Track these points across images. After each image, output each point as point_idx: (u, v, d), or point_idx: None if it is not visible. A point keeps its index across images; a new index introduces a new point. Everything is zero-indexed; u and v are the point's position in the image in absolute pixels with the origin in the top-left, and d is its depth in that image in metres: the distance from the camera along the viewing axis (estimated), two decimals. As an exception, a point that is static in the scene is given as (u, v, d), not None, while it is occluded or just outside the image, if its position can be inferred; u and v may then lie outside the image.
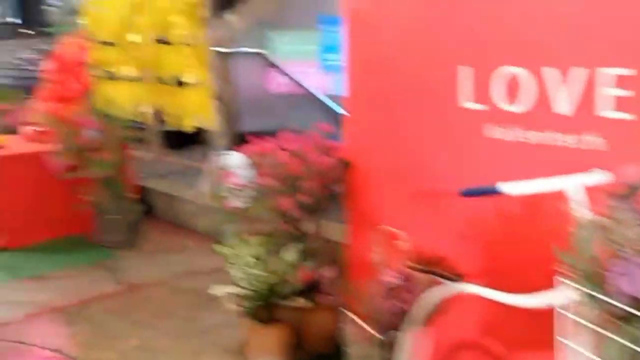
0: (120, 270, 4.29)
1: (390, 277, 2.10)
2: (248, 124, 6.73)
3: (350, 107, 2.87)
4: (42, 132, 5.21)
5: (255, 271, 2.87)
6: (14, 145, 5.12)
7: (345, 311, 2.68)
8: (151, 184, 5.54)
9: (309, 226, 2.99)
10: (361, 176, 2.80)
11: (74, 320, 3.53)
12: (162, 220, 5.31)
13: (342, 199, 2.93)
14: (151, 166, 5.80)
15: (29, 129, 5.42)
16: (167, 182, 5.61)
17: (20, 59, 11.79)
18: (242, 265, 2.92)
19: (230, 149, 5.11)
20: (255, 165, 2.94)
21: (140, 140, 5.21)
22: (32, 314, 3.55)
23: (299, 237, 2.95)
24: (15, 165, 4.83)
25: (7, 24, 20.19)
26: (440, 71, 2.34)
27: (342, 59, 2.97)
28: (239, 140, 5.61)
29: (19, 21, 19.51)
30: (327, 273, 2.84)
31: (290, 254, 2.87)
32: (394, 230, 2.48)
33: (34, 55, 11.65)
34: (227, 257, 3.00)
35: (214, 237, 4.48)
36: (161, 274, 4.21)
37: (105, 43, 5.86)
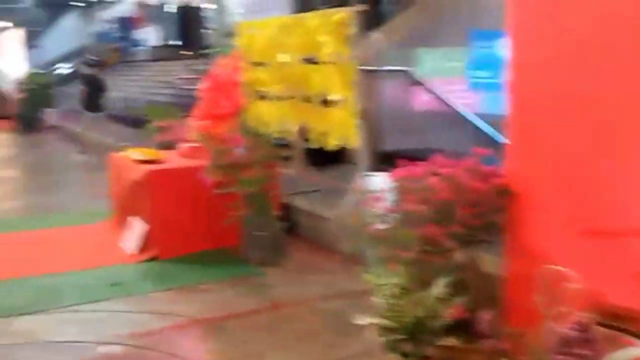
0: (264, 288, 4.32)
1: (563, 327, 1.82)
2: (391, 143, 6.61)
3: (513, 129, 2.62)
4: (196, 149, 5.47)
5: (400, 302, 2.70)
6: (170, 160, 5.41)
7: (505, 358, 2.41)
8: (294, 201, 5.57)
9: (461, 258, 2.77)
10: (524, 206, 2.53)
11: (216, 335, 3.58)
12: (304, 239, 5.31)
13: (500, 230, 2.67)
14: (294, 184, 5.85)
15: (184, 145, 5.72)
16: (310, 201, 5.63)
17: (180, 78, 12.59)
18: (387, 294, 2.76)
19: (374, 169, 5.03)
20: (404, 189, 2.77)
21: (285, 158, 5.27)
22: (177, 325, 3.65)
23: (450, 269, 2.73)
24: (170, 180, 5.10)
25: (169, 46, 21.99)
26: (634, 97, 2.02)
27: (501, 76, 2.72)
28: (382, 160, 5.52)
29: (179, 43, 21.19)
30: (482, 311, 2.59)
31: (439, 287, 2.66)
32: (562, 269, 2.19)
33: (192, 75, 12.48)
34: (372, 285, 2.86)
35: (356, 260, 4.40)
36: (303, 294, 4.17)
37: (256, 63, 6.07)
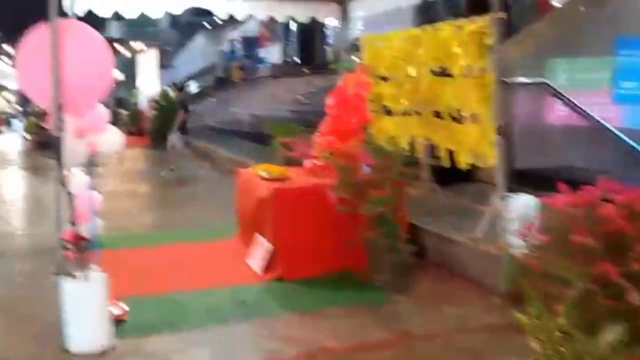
0: (393, 316, 4.07)
1: None
2: (528, 161, 6.12)
3: None
4: (322, 166, 5.35)
5: (562, 349, 2.33)
6: (295, 177, 5.33)
7: None
8: (422, 223, 5.27)
9: (638, 301, 2.35)
10: None
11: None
12: (433, 263, 5.00)
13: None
14: (422, 204, 5.55)
15: (310, 162, 5.63)
16: (438, 222, 5.30)
17: (302, 95, 12.71)
18: (545, 338, 2.40)
19: (513, 189, 4.62)
20: (569, 217, 2.41)
21: (411, 177, 4.99)
22: (307, 354, 3.48)
23: (624, 313, 2.32)
24: (296, 198, 5.00)
25: (290, 63, 22.52)
26: None
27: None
28: (519, 180, 5.09)
29: (300, 60, 21.66)
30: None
31: (611, 334, 2.27)
32: None
33: (312, 91, 12.61)
34: (523, 324, 2.51)
35: (494, 289, 4.04)
36: (433, 325, 3.87)
37: (382, 77, 5.87)
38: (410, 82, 5.55)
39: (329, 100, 5.62)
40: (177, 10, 6.20)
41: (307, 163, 5.67)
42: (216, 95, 23.39)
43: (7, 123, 23.61)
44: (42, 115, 15.86)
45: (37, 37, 3.58)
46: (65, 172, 3.71)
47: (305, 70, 18.29)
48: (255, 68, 23.87)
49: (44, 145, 14.87)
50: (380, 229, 4.56)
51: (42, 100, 3.67)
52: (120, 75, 25.77)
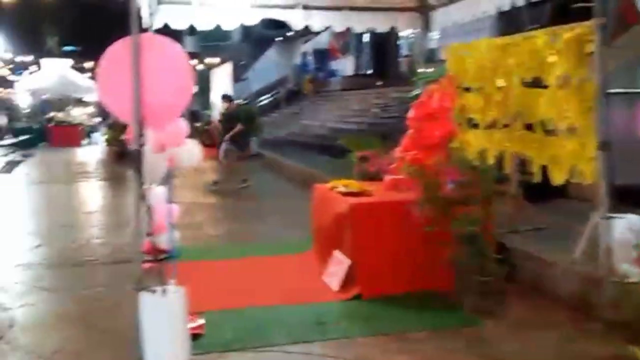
0: (481, 343, 3.78)
1: None
2: (627, 177, 5.65)
3: None
4: (403, 181, 5.13)
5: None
6: (376, 192, 5.12)
7: None
8: (513, 242, 4.93)
9: None
10: None
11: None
12: (525, 286, 4.65)
13: None
14: (512, 221, 5.20)
15: (390, 176, 5.42)
16: (530, 242, 4.95)
17: (376, 107, 12.50)
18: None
19: (617, 207, 4.23)
20: None
21: (500, 193, 4.68)
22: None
23: None
24: (376, 214, 4.80)
25: (362, 75, 22.41)
26: None
27: None
28: (622, 198, 4.67)
29: (373, 72, 21.50)
30: None
31: None
32: None
33: (387, 103, 12.40)
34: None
35: (591, 315, 3.70)
36: (528, 355, 3.56)
37: (467, 89, 5.59)
38: (499, 93, 5.24)
39: (411, 113, 5.40)
40: (252, 21, 6.15)
41: (387, 178, 5.47)
42: (287, 107, 23.57)
43: (89, 135, 24.66)
44: (121, 127, 16.48)
45: (117, 51, 3.56)
46: (144, 186, 3.66)
47: (378, 82, 18.06)
48: (327, 80, 23.88)
49: (123, 156, 15.37)
50: (468, 249, 4.28)
51: (122, 115, 3.64)
52: (194, 89, 26.42)
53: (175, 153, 3.82)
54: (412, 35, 20.69)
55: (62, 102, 26.09)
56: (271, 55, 29.96)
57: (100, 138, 22.40)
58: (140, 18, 3.61)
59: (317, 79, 24.09)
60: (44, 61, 24.76)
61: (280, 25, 6.12)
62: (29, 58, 27.80)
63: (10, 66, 30.41)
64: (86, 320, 4.32)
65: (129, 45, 3.38)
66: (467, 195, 4.29)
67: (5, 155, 16.15)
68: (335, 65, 24.45)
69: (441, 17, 6.47)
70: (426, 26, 6.51)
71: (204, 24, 5.85)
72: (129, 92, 3.38)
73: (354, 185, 5.12)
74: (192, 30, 6.17)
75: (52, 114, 24.23)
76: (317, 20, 6.14)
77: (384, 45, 20.22)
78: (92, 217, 8.33)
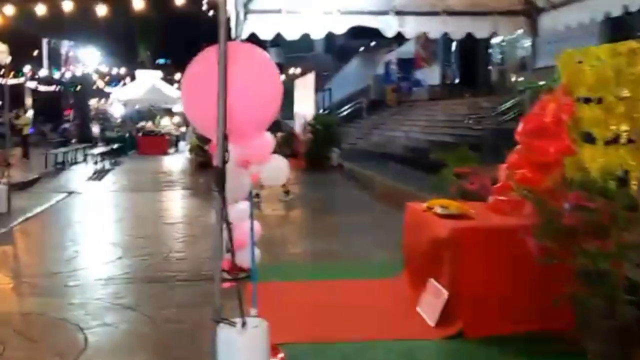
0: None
1: None
2: None
3: None
4: (511, 203, 4.55)
5: None
6: (479, 215, 4.56)
7: None
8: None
9: None
10: None
11: None
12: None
13: None
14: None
15: (495, 197, 4.85)
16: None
17: (469, 117, 11.79)
18: None
19: None
20: None
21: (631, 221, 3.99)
22: None
23: None
24: (482, 240, 4.23)
25: (449, 84, 21.63)
26: None
27: None
28: None
29: (460, 81, 20.68)
30: None
31: None
32: None
33: (479, 114, 11.68)
34: None
35: None
36: None
37: (582, 100, 4.95)
38: (623, 104, 4.57)
39: (521, 126, 4.80)
40: (341, 29, 5.73)
41: (491, 199, 4.89)
42: (369, 118, 23.12)
43: (175, 144, 25.27)
44: (204, 137, 16.61)
45: (203, 60, 3.24)
46: (226, 204, 3.31)
47: (466, 91, 17.27)
48: (411, 90, 23.24)
49: (206, 166, 15.46)
50: (594, 287, 3.65)
51: (205, 127, 3.32)
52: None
53: (260, 170, 3.47)
54: (504, 42, 19.88)
55: (152, 112, 26.95)
56: (353, 65, 29.67)
57: (185, 147, 22.89)
58: (228, 28, 3.30)
59: (400, 88, 23.50)
60: (138, 72, 25.68)
61: (362, 35, 5.69)
62: (123, 70, 28.94)
63: (106, 78, 31.81)
64: (162, 346, 4.04)
65: (215, 54, 3.06)
66: (595, 224, 3.65)
67: (96, 163, 16.66)
68: (419, 74, 23.76)
69: (548, 21, 5.81)
70: (532, 31, 5.86)
71: (292, 34, 5.52)
72: (213, 103, 3.06)
73: (454, 206, 4.57)
74: (275, 41, 5.85)
75: (141, 123, 25.02)
76: (410, 27, 5.65)
77: (472, 53, 19.37)
78: (173, 228, 8.22)
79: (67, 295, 5.02)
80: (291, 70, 25.68)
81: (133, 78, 26.37)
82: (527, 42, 18.03)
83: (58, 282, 5.40)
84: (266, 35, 5.37)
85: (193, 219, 9.03)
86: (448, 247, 4.27)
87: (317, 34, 5.48)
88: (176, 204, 10.92)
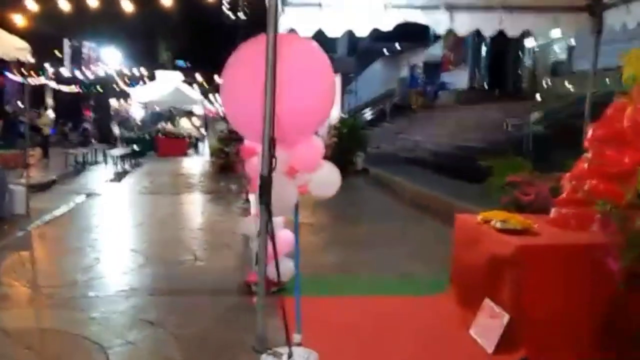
0: None
1: None
2: None
3: None
4: (579, 217, 4.09)
5: None
6: (543, 230, 4.09)
7: None
8: None
9: None
10: None
11: None
12: None
13: None
14: None
15: (558, 210, 4.38)
16: None
17: (511, 123, 11.26)
18: None
19: None
20: None
21: None
22: None
23: None
24: (551, 259, 3.77)
25: (478, 88, 21.04)
26: None
27: None
28: None
29: (490, 84, 20.11)
30: None
31: None
32: None
33: (519, 119, 11.16)
34: None
35: None
36: None
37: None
38: None
39: (591, 132, 4.32)
40: (387, 26, 5.27)
41: (554, 212, 4.42)
42: (393, 121, 22.62)
43: (195, 146, 24.98)
44: (226, 139, 16.30)
45: (247, 54, 2.83)
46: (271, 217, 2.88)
47: (496, 96, 16.72)
48: (437, 94, 22.69)
49: (227, 169, 15.10)
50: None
51: (249, 131, 2.90)
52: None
53: (309, 179, 3.04)
54: (536, 46, 19.30)
55: (172, 114, 26.72)
56: (377, 68, 29.19)
57: (204, 149, 22.56)
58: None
59: (426, 92, 22.96)
60: (158, 73, 25.47)
61: (386, 38, 5.25)
62: (144, 71, 28.80)
63: (126, 79, 31.72)
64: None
65: (262, 47, 2.64)
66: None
67: (115, 165, 16.38)
68: (446, 78, 23.20)
69: (615, 17, 5.31)
70: (596, 28, 5.37)
71: (334, 30, 5.08)
72: (258, 102, 2.64)
73: (515, 220, 4.10)
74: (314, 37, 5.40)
75: (161, 124, 24.80)
76: (462, 23, 5.20)
77: (503, 57, 18.82)
78: (195, 234, 7.82)
79: (87, 308, 4.63)
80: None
81: (153, 79, 26.17)
82: (560, 46, 17.58)
83: (77, 293, 5.01)
84: (306, 31, 4.95)
85: (215, 225, 8.62)
86: (511, 265, 3.81)
87: (362, 31, 5.04)
88: (197, 208, 10.52)
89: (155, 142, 22.83)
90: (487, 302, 4.10)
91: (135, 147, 18.98)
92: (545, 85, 17.23)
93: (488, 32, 5.34)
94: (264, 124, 2.62)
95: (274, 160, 2.64)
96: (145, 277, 5.58)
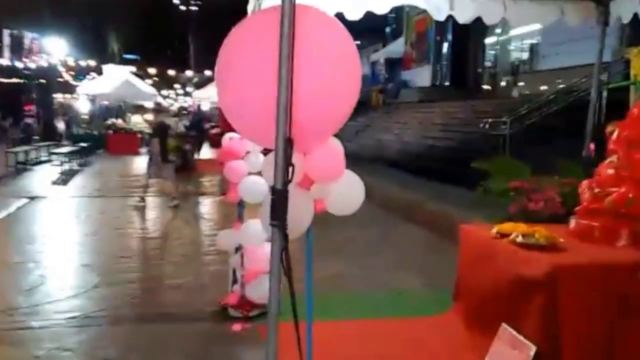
0: None
1: None
2: None
3: None
4: (604, 229, 3.62)
5: None
6: (569, 245, 3.56)
7: None
8: None
9: None
10: None
11: None
12: None
13: None
14: None
15: (578, 221, 3.88)
16: None
17: (483, 121, 10.78)
18: None
19: None
20: None
21: None
22: None
23: None
24: (588, 280, 3.25)
25: (437, 86, 20.76)
26: None
27: None
28: None
29: (451, 83, 19.80)
30: None
31: None
32: None
33: (490, 118, 10.74)
34: None
35: None
36: None
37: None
38: None
39: (617, 135, 3.84)
40: (382, 9, 4.61)
41: (573, 223, 3.93)
42: (354, 120, 22.11)
43: (147, 143, 23.78)
44: (181, 136, 15.36)
45: (250, 31, 2.17)
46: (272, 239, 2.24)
47: (459, 94, 16.39)
48: (399, 92, 22.25)
49: (183, 169, 14.17)
50: None
51: (254, 132, 2.24)
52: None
53: (327, 192, 2.40)
54: (496, 44, 19.14)
55: (122, 109, 25.47)
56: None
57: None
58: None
59: (387, 90, 22.52)
60: (106, 67, 24.19)
61: None
62: (91, 63, 27.36)
63: (72, 72, 30.15)
64: None
65: (272, 19, 1.99)
66: None
67: (61, 164, 15.17)
68: (407, 75, 22.83)
69: (620, 8, 4.89)
70: (603, 19, 4.93)
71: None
72: (268, 92, 2.00)
73: (541, 234, 3.56)
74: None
75: (111, 120, 23.56)
76: (463, 11, 4.68)
77: (465, 55, 18.57)
78: (158, 244, 7.03)
79: (28, 343, 3.84)
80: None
81: (101, 72, 24.87)
82: (522, 44, 17.43)
83: (18, 323, 4.19)
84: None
85: (180, 234, 7.83)
86: (542, 288, 3.27)
87: (353, 14, 4.41)
88: (157, 213, 9.59)
89: (105, 139, 21.59)
90: (506, 329, 3.56)
91: (82, 144, 17.83)
92: (505, 84, 17.14)
93: (490, 20, 4.82)
94: (277, 121, 1.97)
95: (290, 168, 2.00)
96: (100, 300, 4.78)
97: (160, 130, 10.37)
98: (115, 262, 6.05)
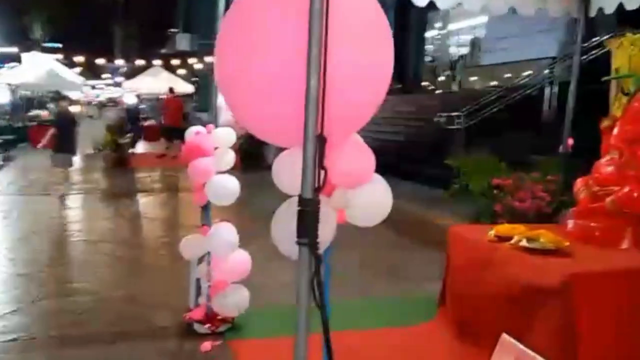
0: None
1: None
2: None
3: None
4: (606, 230, 3.43)
5: None
6: (575, 249, 3.33)
7: None
8: None
9: None
10: None
11: None
12: None
13: None
14: None
15: (576, 222, 3.67)
16: None
17: (439, 115, 10.63)
18: None
19: None
20: None
21: None
22: None
23: None
24: (606, 288, 3.02)
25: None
26: None
27: None
28: None
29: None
30: None
31: None
32: None
33: (443, 113, 10.59)
34: None
35: None
36: None
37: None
38: None
39: (617, 131, 3.64)
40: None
41: (571, 224, 3.71)
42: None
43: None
44: (118, 128, 14.50)
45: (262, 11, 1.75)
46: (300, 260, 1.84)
47: (400, 88, 16.20)
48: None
49: (122, 163, 13.39)
50: None
51: (267, 129, 1.83)
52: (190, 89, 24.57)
53: (350, 200, 2.00)
54: (437, 37, 19.19)
55: (44, 99, 23.94)
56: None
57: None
58: None
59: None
60: (26, 55, 22.50)
61: None
62: (12, 50, 25.51)
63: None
64: None
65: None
66: None
67: (-18, 159, 13.98)
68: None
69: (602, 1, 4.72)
70: (584, 10, 4.76)
71: None
72: (288, 81, 1.59)
73: (547, 238, 3.30)
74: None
75: (34, 112, 22.05)
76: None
77: (405, 47, 18.45)
78: (104, 249, 6.36)
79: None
80: (208, 58, 23.76)
81: (19, 61, 23.14)
82: (462, 38, 17.53)
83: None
84: None
85: (122, 235, 7.18)
86: (556, 298, 3.02)
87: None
88: (96, 213, 8.78)
89: (28, 131, 20.12)
90: (508, 340, 3.27)
91: (4, 137, 16.52)
92: (445, 78, 17.22)
93: (470, 6, 4.53)
94: (305, 115, 1.56)
95: (322, 172, 1.59)
96: (42, 317, 4.16)
97: (63, 119, 9.72)
98: (54, 270, 5.39)
